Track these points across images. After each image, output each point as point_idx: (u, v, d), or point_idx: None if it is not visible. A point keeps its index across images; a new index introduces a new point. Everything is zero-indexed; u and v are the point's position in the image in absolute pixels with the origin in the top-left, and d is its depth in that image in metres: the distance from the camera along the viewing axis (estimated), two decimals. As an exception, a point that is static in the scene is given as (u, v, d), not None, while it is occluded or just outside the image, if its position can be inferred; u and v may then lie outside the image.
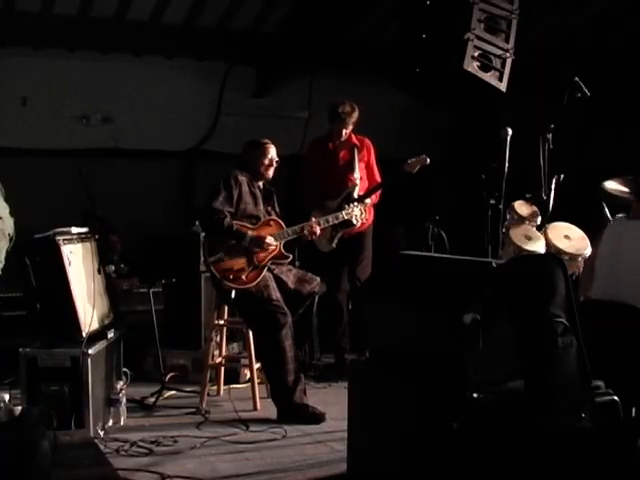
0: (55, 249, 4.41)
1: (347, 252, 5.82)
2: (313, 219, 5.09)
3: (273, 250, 4.95)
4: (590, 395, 2.88)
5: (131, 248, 7.05)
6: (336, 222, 5.31)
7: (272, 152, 5.08)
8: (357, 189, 5.77)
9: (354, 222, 5.37)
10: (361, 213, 5.35)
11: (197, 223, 5.83)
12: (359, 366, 3.78)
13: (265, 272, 4.89)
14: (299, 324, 4.93)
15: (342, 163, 5.89)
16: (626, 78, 7.19)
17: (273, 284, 4.88)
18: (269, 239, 4.89)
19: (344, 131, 5.81)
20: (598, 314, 3.47)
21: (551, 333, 2.85)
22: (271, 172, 5.10)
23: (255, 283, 4.82)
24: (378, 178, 5.96)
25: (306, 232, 5.05)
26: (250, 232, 4.88)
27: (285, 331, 4.76)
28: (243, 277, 4.83)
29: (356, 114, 5.76)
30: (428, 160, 5.74)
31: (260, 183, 5.12)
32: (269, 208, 5.13)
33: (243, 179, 4.99)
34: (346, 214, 5.29)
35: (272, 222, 5.06)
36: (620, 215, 4.23)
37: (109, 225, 6.30)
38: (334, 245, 5.73)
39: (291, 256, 5.10)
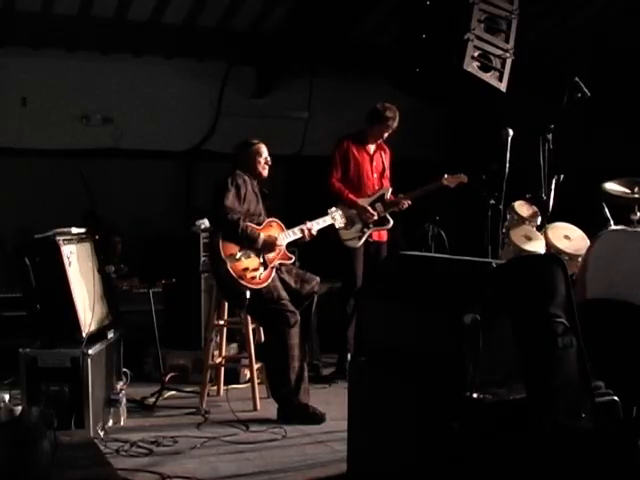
0: (55, 249, 4.40)
1: (370, 258, 5.87)
2: (307, 222, 5.11)
3: (279, 251, 4.97)
4: (590, 395, 2.88)
5: (131, 248, 7.07)
6: (324, 225, 5.31)
7: (265, 151, 5.11)
8: (390, 192, 5.90)
9: (337, 226, 5.41)
10: (340, 217, 5.39)
11: (202, 222, 5.84)
12: (359, 366, 3.78)
13: (274, 272, 4.92)
14: (299, 324, 4.92)
15: (377, 166, 5.98)
16: (626, 78, 7.18)
17: (279, 284, 4.92)
18: (280, 240, 4.94)
19: (385, 134, 5.88)
20: (598, 314, 3.47)
21: (551, 333, 2.85)
22: (267, 171, 5.12)
23: (267, 283, 4.84)
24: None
25: (305, 234, 5.07)
26: (262, 235, 4.90)
27: (294, 330, 4.78)
28: (258, 277, 4.84)
29: (398, 119, 5.82)
30: (467, 179, 5.88)
31: (255, 183, 5.13)
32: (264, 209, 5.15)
33: (246, 179, 5.00)
34: (330, 218, 5.32)
35: (273, 223, 5.08)
36: (618, 227, 4.22)
37: (111, 225, 6.32)
38: (361, 243, 5.81)
39: (293, 257, 5.13)
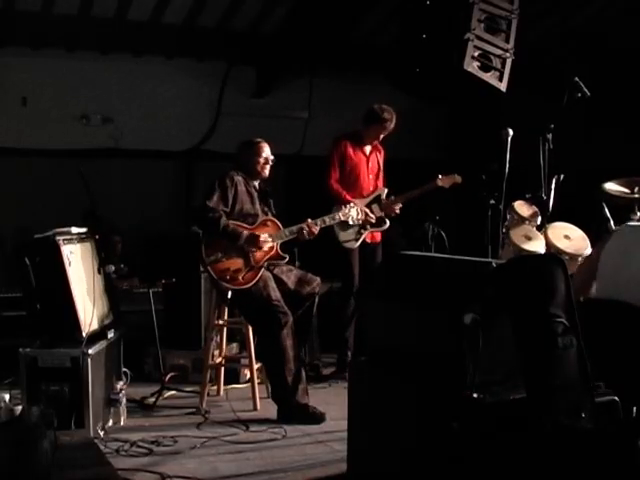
0: (55, 249, 4.40)
1: (365, 259, 5.88)
2: (309, 220, 5.09)
3: (270, 250, 4.95)
4: (590, 395, 2.88)
5: (131, 248, 7.07)
6: (332, 222, 5.31)
7: (266, 150, 5.09)
8: (385, 192, 5.91)
9: (350, 222, 5.40)
10: (357, 214, 5.37)
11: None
12: (359, 366, 3.78)
13: (264, 272, 4.90)
14: (299, 324, 4.93)
15: (373, 167, 5.99)
16: (626, 78, 7.18)
17: (272, 284, 4.89)
18: (263, 236, 4.89)
19: (381, 136, 5.89)
20: (598, 314, 3.47)
21: (551, 333, 2.85)
22: (267, 171, 5.11)
23: (252, 284, 4.82)
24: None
25: (305, 232, 5.04)
26: (245, 232, 4.88)
27: (286, 330, 4.76)
28: (240, 278, 4.83)
29: (395, 121, 5.82)
30: (461, 179, 5.88)
31: (256, 183, 5.12)
32: (265, 208, 5.13)
33: (239, 179, 5.00)
34: (343, 215, 5.30)
35: (269, 222, 5.06)
36: (633, 223, 4.20)
37: (111, 225, 6.32)
38: (358, 244, 5.81)
39: (287, 257, 5.09)
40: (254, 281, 4.83)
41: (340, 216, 5.29)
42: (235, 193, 4.93)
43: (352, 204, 5.40)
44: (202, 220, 4.93)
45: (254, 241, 4.87)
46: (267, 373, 5.04)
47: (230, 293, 4.88)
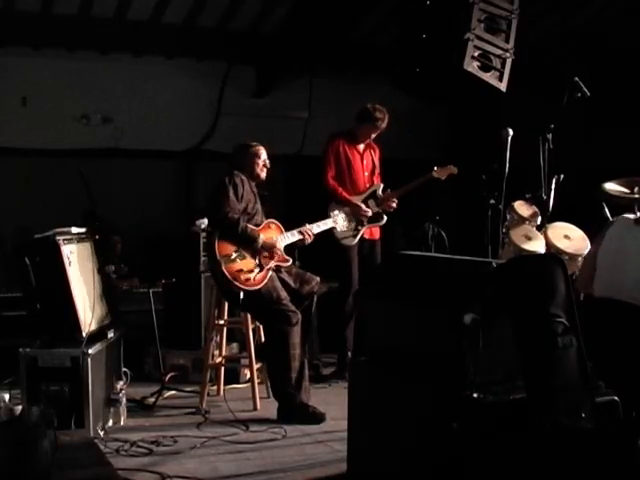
0: (55, 249, 4.40)
1: (363, 256, 5.89)
2: (307, 224, 5.12)
3: (278, 253, 4.97)
4: (590, 395, 2.88)
5: (131, 248, 7.07)
6: (325, 228, 5.35)
7: (264, 153, 5.12)
8: (381, 187, 5.92)
9: (338, 229, 5.45)
10: (343, 221, 5.47)
11: (202, 222, 5.82)
12: (359, 366, 3.78)
13: (271, 273, 4.91)
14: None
15: (368, 164, 6.01)
16: (626, 78, 7.19)
17: (279, 284, 4.91)
18: (278, 243, 4.94)
19: (373, 135, 5.90)
20: (598, 314, 3.47)
21: (551, 333, 2.85)
22: (264, 173, 5.12)
23: (262, 284, 4.83)
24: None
25: (306, 235, 5.08)
26: (262, 236, 4.90)
27: (296, 329, 4.78)
28: (252, 279, 4.83)
29: (387, 120, 5.82)
30: (456, 170, 5.87)
31: (254, 184, 5.13)
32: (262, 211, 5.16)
33: (244, 179, 5.00)
34: (332, 222, 5.38)
35: (272, 225, 5.08)
36: (628, 215, 4.20)
37: (111, 225, 6.32)
38: (356, 241, 5.82)
39: (291, 260, 5.11)
40: (264, 282, 4.84)
41: (330, 223, 5.38)
42: (243, 192, 4.94)
43: (337, 212, 5.48)
44: (223, 220, 4.83)
45: (269, 248, 4.90)
46: (271, 370, 5.02)
47: (242, 294, 4.80)
